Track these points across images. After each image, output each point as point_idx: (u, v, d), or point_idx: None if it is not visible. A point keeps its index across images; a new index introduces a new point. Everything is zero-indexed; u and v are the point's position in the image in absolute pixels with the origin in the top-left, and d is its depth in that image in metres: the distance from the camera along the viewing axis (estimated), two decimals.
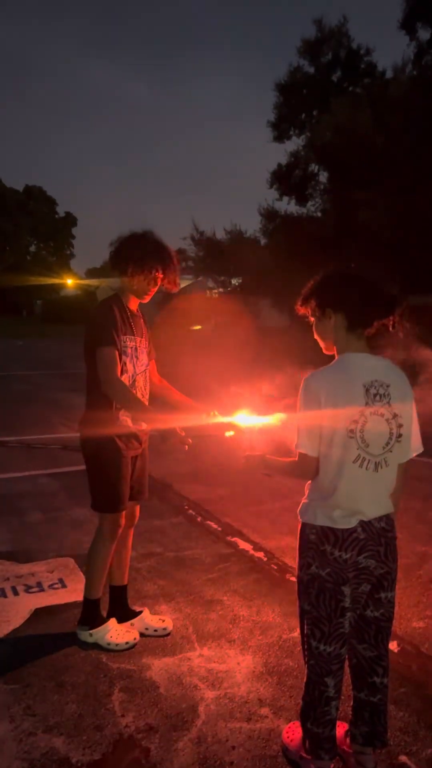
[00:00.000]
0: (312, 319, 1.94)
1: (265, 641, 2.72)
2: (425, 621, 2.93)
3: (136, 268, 2.53)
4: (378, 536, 1.82)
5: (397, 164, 15.50)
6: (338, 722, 1.95)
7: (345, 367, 1.80)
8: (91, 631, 2.66)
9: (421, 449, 1.86)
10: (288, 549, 3.74)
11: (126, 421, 2.55)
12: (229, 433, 2.27)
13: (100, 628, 2.66)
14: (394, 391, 1.78)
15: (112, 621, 2.72)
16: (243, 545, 3.87)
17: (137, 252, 2.54)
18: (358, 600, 1.86)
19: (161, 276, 2.59)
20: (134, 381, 2.60)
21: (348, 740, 1.97)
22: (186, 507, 4.65)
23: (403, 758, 2.01)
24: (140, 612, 2.83)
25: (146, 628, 2.76)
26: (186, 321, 19.26)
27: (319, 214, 20.93)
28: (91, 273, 61.70)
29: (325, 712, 1.86)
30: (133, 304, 2.68)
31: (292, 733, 2.05)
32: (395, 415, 1.78)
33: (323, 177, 20.73)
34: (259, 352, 13.08)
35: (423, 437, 1.88)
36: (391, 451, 1.79)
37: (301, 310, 1.96)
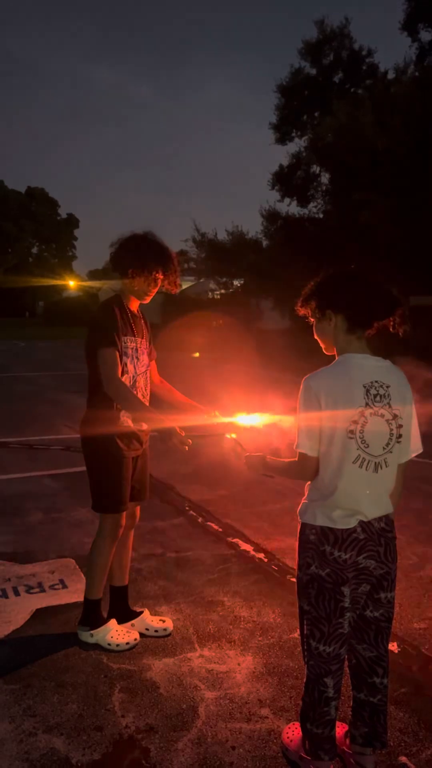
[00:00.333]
0: (312, 320, 1.94)
1: (266, 642, 2.72)
2: (426, 622, 2.93)
3: (137, 269, 2.54)
4: (378, 536, 1.82)
5: (399, 165, 15.52)
6: (338, 723, 1.95)
7: (345, 368, 1.80)
8: (91, 632, 2.66)
9: (420, 450, 1.87)
10: (289, 550, 3.74)
11: (127, 422, 2.56)
12: (231, 435, 2.27)
13: (100, 628, 2.66)
14: (394, 391, 1.78)
15: (113, 621, 2.73)
16: (244, 546, 3.87)
17: (137, 253, 2.55)
18: (358, 600, 1.86)
19: (161, 277, 2.60)
20: (135, 382, 2.60)
21: (348, 741, 1.97)
22: (187, 508, 4.65)
23: (402, 759, 2.01)
24: (141, 612, 2.83)
25: (147, 629, 2.77)
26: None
27: (320, 216, 20.97)
28: (93, 275, 61.71)
29: (325, 713, 1.86)
30: (134, 305, 2.69)
31: (292, 733, 2.05)
32: (395, 416, 1.78)
33: (325, 178, 20.79)
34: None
35: (423, 437, 1.88)
36: (391, 452, 1.79)
37: (302, 311, 1.97)
